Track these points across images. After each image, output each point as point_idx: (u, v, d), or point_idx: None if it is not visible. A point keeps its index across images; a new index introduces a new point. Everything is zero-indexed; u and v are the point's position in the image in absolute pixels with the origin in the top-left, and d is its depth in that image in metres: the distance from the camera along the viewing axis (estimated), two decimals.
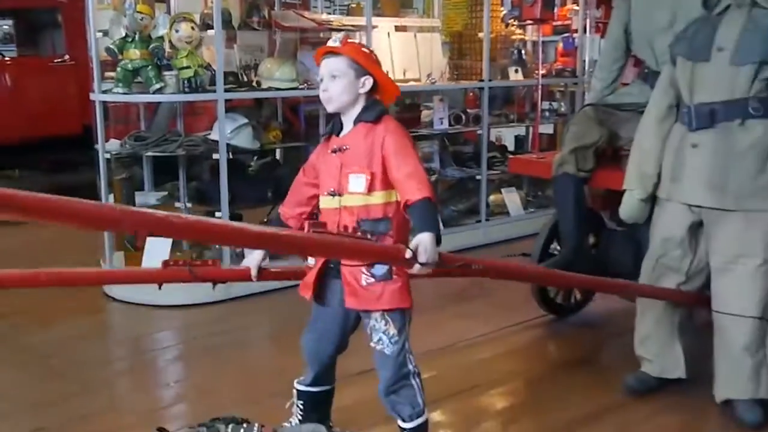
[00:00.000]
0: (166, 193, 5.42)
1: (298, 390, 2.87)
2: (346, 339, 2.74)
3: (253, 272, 2.70)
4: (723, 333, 3.20)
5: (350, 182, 2.52)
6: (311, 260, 2.73)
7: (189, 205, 5.17)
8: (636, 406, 3.35)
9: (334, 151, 2.61)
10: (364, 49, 2.68)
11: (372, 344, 2.59)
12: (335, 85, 2.57)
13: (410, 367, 2.60)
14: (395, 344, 2.56)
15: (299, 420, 2.89)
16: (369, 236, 2.40)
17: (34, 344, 4.09)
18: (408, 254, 2.29)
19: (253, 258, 2.73)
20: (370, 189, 2.52)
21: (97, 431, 3.16)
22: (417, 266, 2.31)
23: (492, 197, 6.40)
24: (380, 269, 2.52)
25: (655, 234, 3.37)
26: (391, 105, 6.16)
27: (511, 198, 6.50)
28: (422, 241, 2.31)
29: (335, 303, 2.65)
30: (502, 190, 6.54)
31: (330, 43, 2.61)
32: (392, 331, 2.56)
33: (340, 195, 2.54)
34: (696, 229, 3.25)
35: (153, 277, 2.68)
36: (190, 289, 4.60)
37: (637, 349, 3.50)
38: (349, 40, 2.64)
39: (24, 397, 3.45)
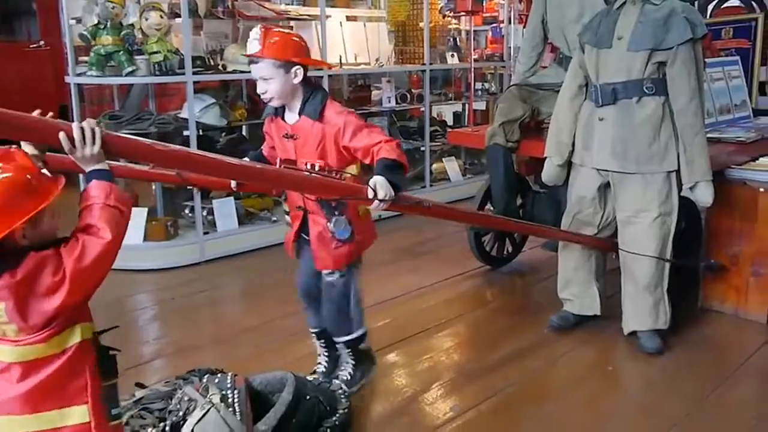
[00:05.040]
0: None
1: (314, 332, 3.00)
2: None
3: (233, 183, 2.70)
4: (629, 275, 3.40)
5: (306, 167, 2.53)
6: (287, 218, 2.86)
7: None
8: (559, 341, 3.50)
9: (286, 137, 2.64)
10: (290, 39, 2.57)
11: (324, 277, 2.81)
12: (271, 86, 2.55)
13: (352, 303, 2.84)
14: (343, 278, 2.79)
15: (326, 359, 3.03)
16: (335, 175, 2.45)
17: None
18: (370, 193, 2.37)
19: None
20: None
21: None
22: (376, 202, 2.39)
23: (435, 166, 6.54)
24: (343, 233, 2.66)
25: (572, 194, 3.52)
26: (345, 86, 6.30)
27: (451, 166, 6.65)
28: (378, 180, 2.39)
29: (309, 256, 2.80)
30: (444, 159, 6.68)
31: (249, 49, 2.54)
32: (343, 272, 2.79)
33: None
34: (604, 189, 3.41)
35: (140, 175, 2.67)
36: (166, 253, 4.74)
37: (560, 291, 3.66)
38: (269, 33, 2.53)
39: None
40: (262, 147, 2.84)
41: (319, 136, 2.58)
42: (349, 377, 2.96)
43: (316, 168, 2.48)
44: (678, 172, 3.24)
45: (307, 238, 2.78)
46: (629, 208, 3.32)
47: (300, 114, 2.61)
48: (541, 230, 3.67)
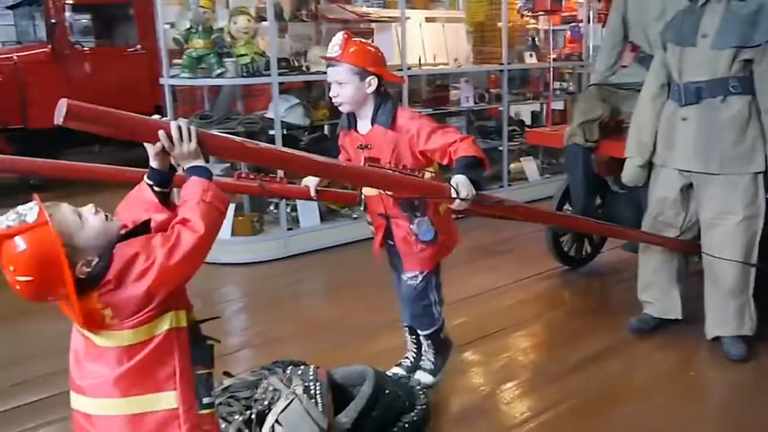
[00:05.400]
0: (228, 164, 5.55)
1: (407, 326, 3.03)
2: None
3: (312, 191, 2.81)
4: (712, 279, 3.29)
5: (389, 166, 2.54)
6: (371, 228, 2.88)
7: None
8: (639, 344, 3.42)
9: (361, 147, 2.64)
10: (367, 48, 2.59)
11: (404, 277, 2.83)
12: (344, 91, 2.56)
13: (432, 298, 2.85)
14: (422, 281, 2.80)
15: (414, 354, 3.05)
16: (417, 173, 2.45)
17: None
18: (453, 192, 2.38)
19: (311, 179, 2.88)
20: None
21: None
22: (457, 201, 2.39)
23: (512, 165, 6.48)
24: (426, 235, 2.66)
25: (653, 195, 3.43)
26: (424, 86, 6.30)
27: (529, 166, 6.59)
28: (459, 180, 2.39)
29: (398, 260, 2.83)
30: (521, 159, 6.62)
31: (329, 52, 2.56)
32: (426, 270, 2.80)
33: None
34: (687, 190, 3.31)
35: (225, 187, 2.62)
36: (252, 248, 4.84)
37: (640, 294, 3.57)
38: (350, 41, 2.55)
39: None
40: (339, 157, 2.85)
41: (393, 144, 2.59)
42: (432, 365, 2.98)
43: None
44: (766, 173, 3.13)
45: (391, 243, 2.80)
46: (713, 211, 3.22)
47: (372, 123, 2.62)
48: (621, 232, 3.59)
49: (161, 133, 1.72)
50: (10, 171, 2.78)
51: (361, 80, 2.55)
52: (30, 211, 1.55)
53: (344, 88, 2.56)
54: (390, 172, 2.40)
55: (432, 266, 2.79)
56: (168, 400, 1.71)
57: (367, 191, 2.71)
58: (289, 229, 4.97)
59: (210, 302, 4.12)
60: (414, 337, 3.04)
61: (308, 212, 5.06)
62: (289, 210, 5.02)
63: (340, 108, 2.65)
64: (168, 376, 1.71)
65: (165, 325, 1.70)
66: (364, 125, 2.65)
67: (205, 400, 1.77)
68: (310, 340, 3.54)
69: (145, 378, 1.69)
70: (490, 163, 2.63)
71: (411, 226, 2.68)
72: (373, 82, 2.57)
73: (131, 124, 1.71)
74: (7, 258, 1.55)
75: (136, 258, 1.62)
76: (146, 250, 1.63)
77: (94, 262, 1.62)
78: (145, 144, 1.77)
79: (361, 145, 2.64)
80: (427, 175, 2.57)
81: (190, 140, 1.74)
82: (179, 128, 1.73)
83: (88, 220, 1.64)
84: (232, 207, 4.88)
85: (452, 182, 2.39)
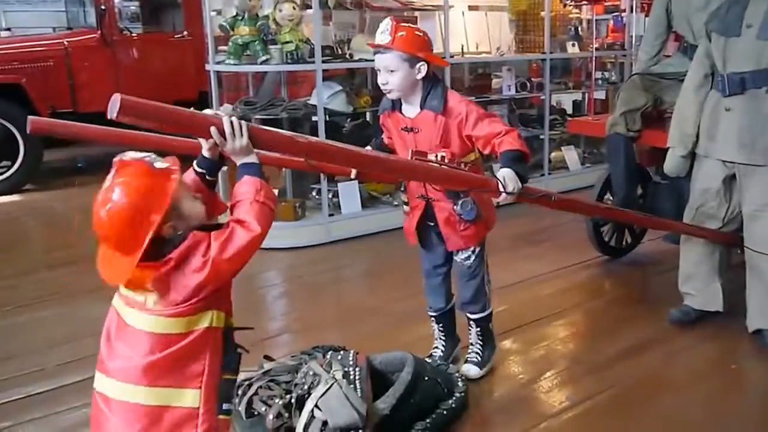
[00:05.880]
0: None
1: (433, 316, 3.01)
2: (450, 261, 2.89)
3: (353, 172, 2.71)
4: (755, 271, 3.21)
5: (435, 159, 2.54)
6: (406, 208, 2.84)
7: None
8: (679, 336, 3.36)
9: (406, 130, 2.62)
10: (416, 34, 2.54)
11: (458, 260, 2.82)
12: (393, 78, 2.52)
13: (485, 277, 2.85)
14: (477, 259, 2.80)
15: (443, 343, 3.03)
16: (463, 166, 2.44)
17: None
18: (499, 185, 2.37)
19: None
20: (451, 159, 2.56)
21: None
22: (503, 195, 2.39)
23: (553, 154, 6.41)
24: (470, 214, 2.63)
25: (695, 186, 3.36)
26: (466, 74, 6.25)
27: (570, 155, 6.50)
28: (505, 173, 2.39)
29: (434, 241, 2.83)
30: (562, 148, 6.53)
31: (378, 39, 2.51)
32: (477, 248, 2.80)
33: None
34: (730, 181, 3.23)
35: (270, 161, 2.57)
36: (294, 233, 4.86)
37: (681, 285, 3.51)
38: (399, 27, 2.51)
39: None
40: (382, 136, 2.84)
41: (442, 128, 2.56)
42: (479, 358, 2.96)
43: (445, 160, 2.47)
44: None
45: (431, 224, 2.78)
46: (756, 202, 3.14)
47: (422, 107, 2.58)
48: (663, 223, 3.53)
49: (213, 129, 1.72)
50: (104, 141, 2.78)
51: (411, 67, 2.52)
52: (163, 160, 1.67)
53: (394, 75, 2.52)
54: (437, 166, 2.39)
55: (477, 243, 2.79)
56: (192, 397, 1.71)
57: None
58: (331, 215, 4.97)
59: (253, 287, 4.13)
60: (441, 325, 3.02)
61: (350, 198, 5.06)
62: (330, 196, 5.02)
63: (388, 95, 2.61)
64: (196, 374, 1.71)
65: (205, 322, 1.71)
66: (411, 108, 2.63)
67: (225, 406, 1.77)
68: (349, 326, 3.55)
69: (174, 371, 1.69)
70: (531, 151, 2.60)
71: (454, 207, 2.65)
72: (423, 68, 2.53)
73: (183, 119, 1.72)
74: (125, 175, 1.62)
75: (198, 247, 1.65)
76: (205, 243, 1.66)
77: (179, 232, 1.66)
78: (198, 138, 1.78)
79: (406, 127, 2.62)
80: (469, 161, 2.57)
81: (241, 136, 1.74)
82: (231, 124, 1.73)
83: (197, 202, 1.74)
84: (275, 192, 4.90)
85: (498, 176, 2.39)
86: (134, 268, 1.60)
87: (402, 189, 2.86)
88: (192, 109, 1.78)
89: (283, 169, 5.28)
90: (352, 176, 2.84)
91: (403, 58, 2.50)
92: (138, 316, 1.69)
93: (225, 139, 1.73)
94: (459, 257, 2.82)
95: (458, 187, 2.52)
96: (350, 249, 4.83)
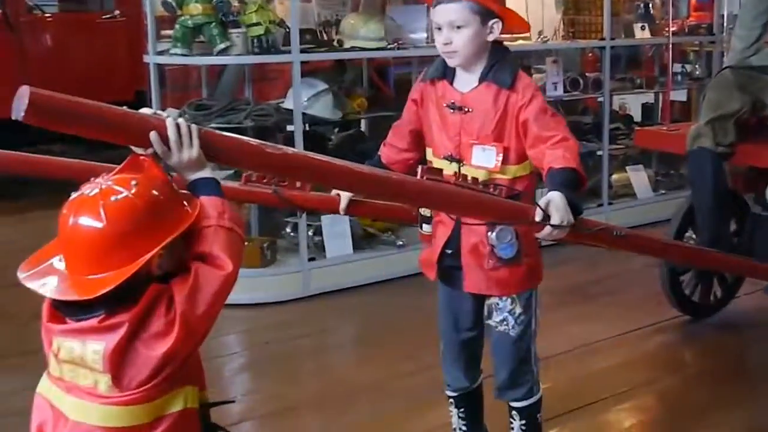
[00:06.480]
0: (231, 171, 5.56)
1: (452, 397, 2.96)
2: (482, 320, 2.81)
3: (343, 203, 2.76)
4: None
5: (475, 154, 2.54)
6: (426, 227, 2.79)
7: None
8: None
9: (452, 108, 2.62)
10: None
11: (492, 323, 2.73)
12: (459, 37, 2.53)
13: (533, 350, 2.76)
14: (521, 324, 2.70)
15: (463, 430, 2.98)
16: (493, 190, 2.41)
17: None
18: (538, 215, 2.32)
19: None
20: (503, 163, 2.54)
21: None
22: (548, 229, 2.33)
23: (615, 177, 6.42)
24: (507, 250, 2.58)
25: None
26: None
27: (638, 177, 6.50)
28: (553, 199, 2.32)
29: (460, 284, 2.73)
30: (628, 168, 6.55)
31: None
32: (518, 310, 2.70)
33: (459, 162, 2.55)
34: None
35: (230, 193, 2.53)
36: (260, 284, 4.85)
37: None
38: None
39: None
40: (379, 152, 2.85)
41: (501, 110, 2.56)
42: None
43: (469, 179, 2.43)
44: None
45: (448, 252, 2.71)
46: None
47: (481, 80, 2.59)
48: (765, 269, 3.52)
49: (153, 135, 1.72)
50: None
51: (483, 24, 2.54)
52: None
53: (460, 33, 2.53)
54: (456, 189, 2.36)
55: (518, 290, 2.71)
56: None
57: (439, 165, 2.60)
58: (311, 260, 4.97)
59: (205, 356, 4.01)
60: (463, 410, 2.98)
61: (337, 237, 5.06)
62: (311, 234, 5.03)
63: (450, 60, 2.61)
64: None
65: (177, 404, 1.70)
66: (466, 80, 2.63)
67: None
68: (336, 411, 3.53)
69: None
70: (585, 172, 2.58)
71: (489, 233, 2.62)
72: (497, 27, 2.56)
73: (114, 121, 1.72)
74: (142, 174, 1.69)
75: (158, 305, 1.64)
76: (167, 297, 1.65)
77: (155, 274, 1.67)
78: (134, 148, 1.79)
79: (454, 104, 2.62)
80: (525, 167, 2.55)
81: (191, 144, 1.75)
82: (177, 128, 1.74)
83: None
84: None
85: (541, 202, 2.34)
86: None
87: (428, 222, 2.81)
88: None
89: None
90: (342, 210, 2.85)
91: (475, 9, 2.53)
92: (86, 408, 1.67)
93: (169, 148, 1.74)
94: (494, 319, 2.75)
95: (485, 218, 2.50)
96: (337, 305, 4.82)
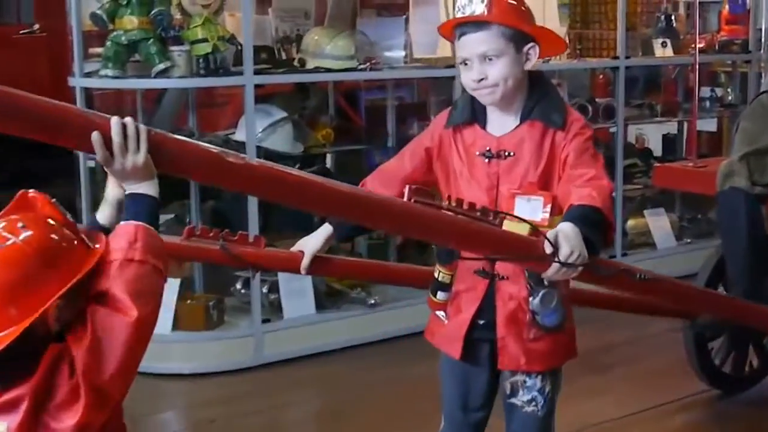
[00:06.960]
0: (172, 216, 5.56)
1: None
2: (494, 398, 2.80)
3: (305, 260, 2.73)
4: None
5: (518, 206, 2.48)
6: (442, 295, 2.73)
7: None
8: None
9: (487, 156, 2.61)
10: (512, 2, 2.58)
11: (517, 403, 2.70)
12: (495, 69, 2.52)
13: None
14: (549, 403, 2.70)
15: None
16: (492, 219, 2.37)
17: None
18: (547, 248, 2.29)
19: (311, 241, 2.78)
20: (551, 215, 2.50)
21: None
22: (555, 266, 2.31)
23: (631, 222, 6.49)
24: (551, 317, 2.56)
25: None
26: None
27: (659, 223, 6.55)
28: (563, 230, 2.30)
29: (482, 360, 2.73)
30: (646, 212, 6.60)
31: (466, 11, 2.53)
32: (548, 387, 2.69)
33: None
34: None
35: (169, 250, 2.43)
36: (205, 350, 4.83)
37: None
38: None
39: None
40: (361, 185, 2.80)
41: (548, 152, 2.56)
42: None
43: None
44: None
45: (481, 322, 2.68)
46: None
47: (524, 119, 2.59)
48: None
49: (95, 136, 1.72)
50: None
51: (518, 51, 2.55)
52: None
53: (495, 65, 2.53)
54: (449, 216, 2.32)
55: (551, 366, 2.70)
56: None
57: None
58: (266, 321, 4.97)
59: None
60: None
61: (296, 294, 5.06)
62: (266, 290, 5.03)
63: (486, 98, 2.60)
64: None
65: None
66: (501, 122, 2.63)
67: None
68: None
69: None
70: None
71: (531, 298, 2.60)
72: (533, 52, 2.57)
73: (51, 117, 1.72)
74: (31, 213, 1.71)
75: (58, 367, 1.62)
76: (69, 357, 1.63)
77: (54, 330, 1.66)
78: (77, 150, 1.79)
79: (489, 152, 2.60)
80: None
81: (138, 149, 1.75)
82: (123, 129, 1.73)
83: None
84: (175, 284, 4.89)
85: (549, 234, 2.32)
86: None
87: (442, 260, 2.77)
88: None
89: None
90: (303, 269, 2.81)
91: (507, 35, 2.53)
92: None
93: (112, 153, 1.73)
94: (520, 398, 2.72)
95: (480, 250, 2.49)
96: (296, 377, 4.82)
